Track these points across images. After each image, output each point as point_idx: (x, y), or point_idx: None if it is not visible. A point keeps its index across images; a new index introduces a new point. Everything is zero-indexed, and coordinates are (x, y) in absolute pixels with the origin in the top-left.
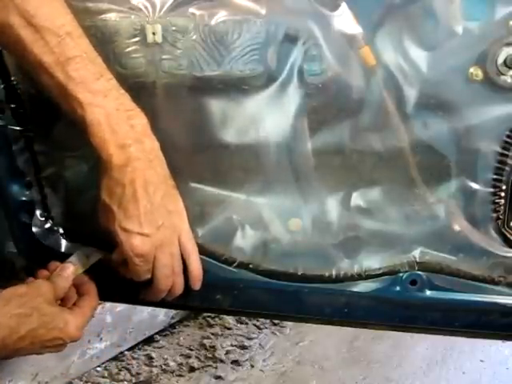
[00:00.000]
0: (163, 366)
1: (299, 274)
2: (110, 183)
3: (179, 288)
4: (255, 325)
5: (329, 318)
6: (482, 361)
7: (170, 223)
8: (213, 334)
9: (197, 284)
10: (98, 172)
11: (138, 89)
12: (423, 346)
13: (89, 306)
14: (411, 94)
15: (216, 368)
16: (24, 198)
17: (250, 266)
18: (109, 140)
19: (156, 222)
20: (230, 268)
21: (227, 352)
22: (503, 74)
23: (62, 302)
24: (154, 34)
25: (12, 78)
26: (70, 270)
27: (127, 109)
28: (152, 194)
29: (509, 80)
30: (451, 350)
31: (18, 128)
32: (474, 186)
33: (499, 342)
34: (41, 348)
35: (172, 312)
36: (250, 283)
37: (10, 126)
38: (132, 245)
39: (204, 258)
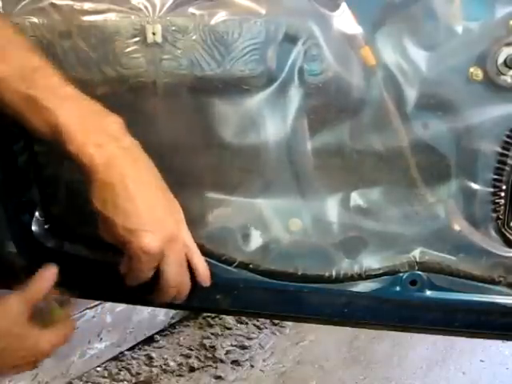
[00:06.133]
0: (163, 366)
1: (299, 273)
2: (99, 188)
3: (187, 287)
4: (255, 325)
5: (329, 317)
6: (482, 361)
7: (173, 219)
8: (213, 333)
9: (207, 280)
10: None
11: (138, 89)
12: (423, 346)
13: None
14: (411, 93)
15: (216, 368)
16: (24, 198)
17: (250, 266)
18: (86, 142)
19: (158, 217)
20: (230, 268)
21: (227, 352)
22: (503, 74)
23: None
24: (154, 34)
25: None
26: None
27: (99, 110)
28: (145, 189)
29: (509, 80)
30: (451, 350)
31: (17, 128)
32: (474, 186)
33: (499, 342)
34: (11, 368)
35: (172, 312)
36: (249, 283)
37: (9, 126)
38: (141, 243)
39: (204, 258)
